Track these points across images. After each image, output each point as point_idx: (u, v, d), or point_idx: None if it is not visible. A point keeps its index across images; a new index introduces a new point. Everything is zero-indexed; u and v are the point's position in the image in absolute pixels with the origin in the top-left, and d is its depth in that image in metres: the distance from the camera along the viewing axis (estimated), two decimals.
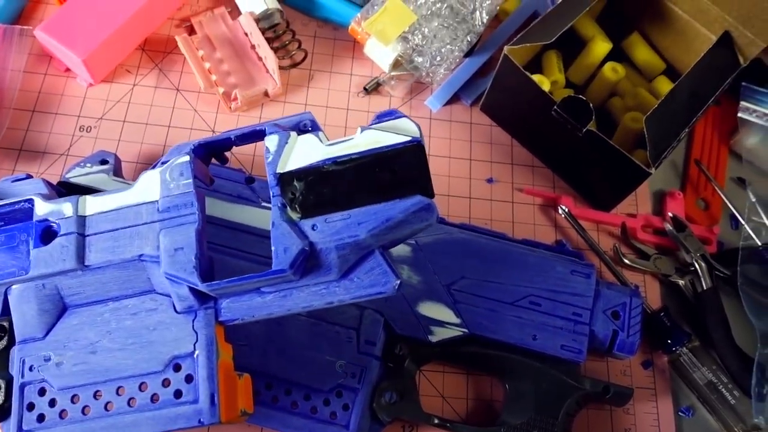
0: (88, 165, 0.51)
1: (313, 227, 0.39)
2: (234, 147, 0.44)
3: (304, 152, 0.40)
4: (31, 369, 0.42)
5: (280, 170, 0.40)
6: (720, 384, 0.52)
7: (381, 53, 0.60)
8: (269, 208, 0.49)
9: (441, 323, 0.49)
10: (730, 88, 0.61)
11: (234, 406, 0.40)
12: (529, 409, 0.48)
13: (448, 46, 0.57)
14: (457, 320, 0.49)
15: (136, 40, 0.60)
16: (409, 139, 0.39)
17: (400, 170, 0.39)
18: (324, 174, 0.39)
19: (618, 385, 0.49)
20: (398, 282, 0.39)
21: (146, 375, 0.40)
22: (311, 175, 0.39)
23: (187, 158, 0.41)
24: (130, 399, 0.40)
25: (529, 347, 0.49)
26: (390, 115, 0.41)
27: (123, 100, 0.59)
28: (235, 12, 0.62)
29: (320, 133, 0.41)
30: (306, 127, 0.42)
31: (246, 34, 0.62)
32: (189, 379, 0.39)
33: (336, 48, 0.64)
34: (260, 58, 0.61)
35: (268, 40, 0.60)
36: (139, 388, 0.40)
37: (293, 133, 0.41)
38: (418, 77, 0.60)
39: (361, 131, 0.40)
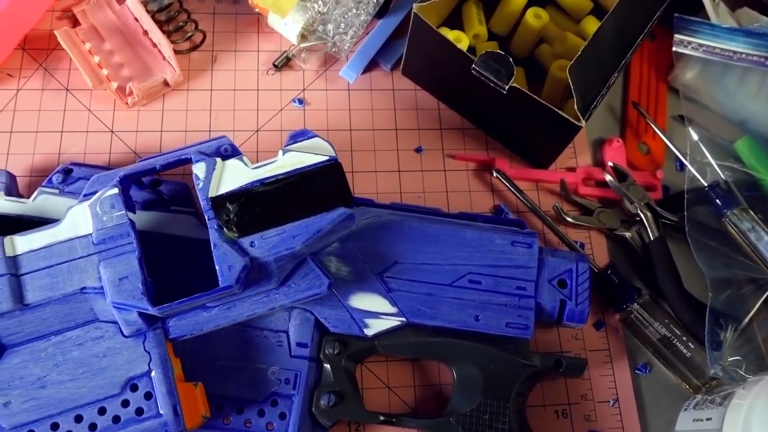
0: None
1: (251, 244, 0.42)
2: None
3: (232, 177, 0.43)
4: None
5: (212, 195, 0.43)
6: (674, 337, 0.49)
7: (286, 24, 0.55)
8: (181, 212, 0.47)
9: (376, 314, 0.46)
10: (665, 20, 0.57)
11: (196, 413, 0.42)
12: (478, 394, 0.45)
13: (354, 10, 0.52)
14: (393, 309, 0.46)
15: (14, 38, 0.54)
16: (327, 158, 0.44)
17: (322, 186, 0.44)
18: (254, 195, 0.43)
19: (570, 357, 0.47)
20: (329, 282, 0.43)
21: (104, 399, 0.41)
22: (242, 197, 0.43)
23: (116, 190, 0.42)
24: (90, 424, 0.40)
25: (473, 329, 0.46)
26: (304, 135, 0.45)
27: (7, 108, 0.53)
28: None
29: (244, 158, 0.44)
30: (227, 151, 0.45)
31: (137, 20, 0.56)
32: (148, 396, 0.41)
33: (238, 24, 0.58)
34: (155, 45, 0.55)
35: (161, 24, 0.55)
36: (99, 413, 0.41)
37: (219, 160, 0.43)
38: (327, 48, 0.55)
39: (283, 153, 0.44)
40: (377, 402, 0.48)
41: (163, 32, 0.54)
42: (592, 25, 0.57)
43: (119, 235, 0.42)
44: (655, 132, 0.57)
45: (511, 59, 0.47)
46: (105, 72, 0.54)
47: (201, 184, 0.43)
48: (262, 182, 0.43)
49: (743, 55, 0.58)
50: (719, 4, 0.60)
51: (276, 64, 0.56)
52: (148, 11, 0.55)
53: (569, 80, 0.46)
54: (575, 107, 0.47)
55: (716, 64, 0.58)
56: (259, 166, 0.44)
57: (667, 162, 0.58)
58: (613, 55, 0.50)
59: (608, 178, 0.54)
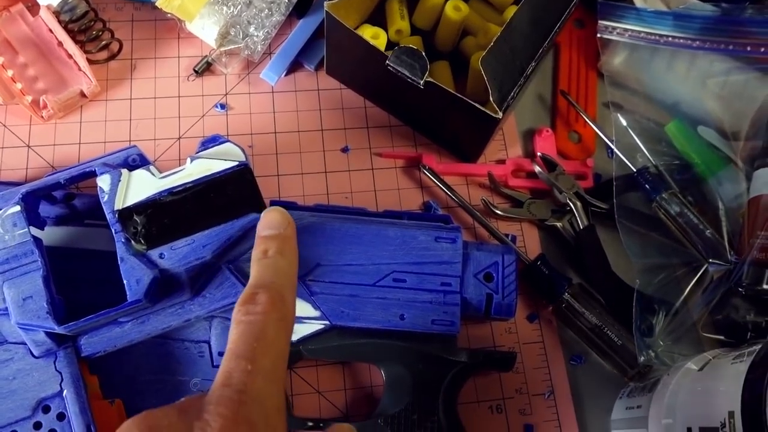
0: None
1: (160, 256, 0.41)
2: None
3: (139, 187, 0.42)
4: None
5: (118, 207, 0.42)
6: (605, 326, 0.49)
7: (203, 29, 0.54)
8: (95, 225, 0.46)
9: (299, 319, 0.45)
10: (592, 8, 0.57)
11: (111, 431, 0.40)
12: (407, 394, 0.45)
13: (266, 11, 0.51)
14: (315, 313, 0.45)
15: None
16: (236, 163, 0.43)
17: (232, 192, 0.43)
18: (162, 205, 0.42)
19: (499, 352, 0.46)
20: None
21: (15, 423, 0.40)
22: (150, 208, 0.42)
23: (18, 208, 0.41)
24: None
25: (398, 328, 0.45)
26: (215, 141, 0.44)
27: None
28: (36, 8, 0.55)
29: (151, 167, 0.43)
30: (135, 162, 0.44)
31: (51, 31, 0.55)
32: (61, 417, 0.40)
33: (158, 30, 0.57)
34: (70, 56, 0.54)
35: (74, 34, 0.54)
36: None
37: (124, 171, 0.42)
38: (241, 51, 0.54)
39: (191, 161, 0.43)
40: (307, 407, 0.47)
41: (77, 42, 0.53)
42: None
43: (23, 254, 0.41)
44: (585, 120, 0.57)
45: (423, 53, 0.47)
46: (19, 86, 0.52)
47: (106, 197, 0.42)
48: (169, 191, 0.42)
49: (670, 38, 0.58)
50: None
51: (196, 69, 0.55)
52: (60, 22, 0.53)
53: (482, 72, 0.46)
54: (491, 99, 0.46)
55: (644, 49, 0.58)
56: (166, 176, 0.43)
57: (598, 150, 0.58)
58: (530, 44, 0.49)
59: (537, 168, 0.54)
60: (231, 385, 0.29)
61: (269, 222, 0.37)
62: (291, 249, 0.37)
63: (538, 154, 0.55)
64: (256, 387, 0.30)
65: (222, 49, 0.54)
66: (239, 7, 0.50)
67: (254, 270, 0.35)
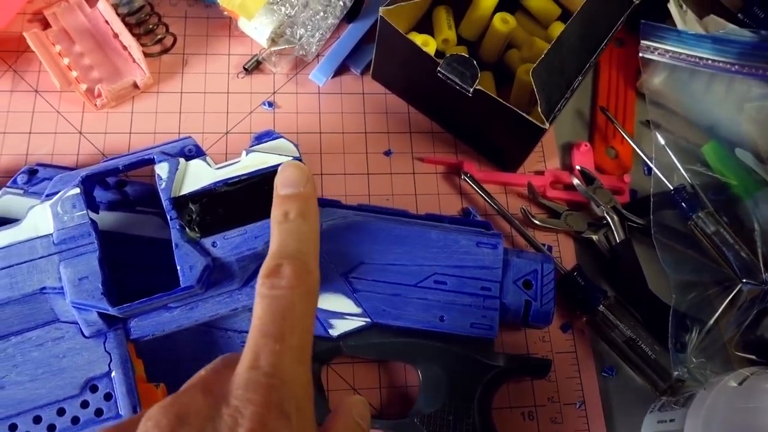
0: None
1: (213, 244, 0.42)
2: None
3: (195, 177, 0.43)
4: None
5: (174, 195, 0.42)
6: (639, 339, 0.50)
7: (256, 28, 0.55)
8: (146, 213, 0.47)
9: (341, 315, 0.46)
10: (633, 26, 0.58)
11: None
12: (443, 395, 0.45)
13: (321, 14, 0.52)
14: (357, 310, 0.46)
15: None
16: (291, 159, 0.43)
17: None
18: (217, 195, 0.43)
19: (535, 358, 0.47)
20: None
21: (63, 401, 0.41)
22: (205, 197, 0.43)
23: (77, 190, 0.42)
24: (49, 425, 0.40)
25: (437, 329, 0.46)
26: (268, 135, 0.45)
27: None
28: None
29: (207, 158, 0.44)
30: (191, 152, 0.44)
31: (107, 23, 0.56)
32: (108, 397, 0.41)
33: (210, 27, 0.59)
34: (125, 48, 0.55)
35: (131, 27, 0.55)
36: (58, 414, 0.40)
37: (182, 160, 0.43)
38: (296, 51, 0.55)
39: (246, 154, 0.44)
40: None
41: (134, 35, 0.54)
42: (559, 30, 0.58)
43: (80, 235, 0.42)
44: (623, 136, 0.58)
45: (475, 62, 0.48)
46: (74, 74, 0.54)
47: (163, 184, 0.43)
48: (225, 182, 0.43)
49: (709, 61, 0.58)
50: (687, 11, 0.61)
51: (246, 67, 0.56)
52: (118, 14, 0.55)
53: (532, 83, 0.47)
54: (539, 110, 0.47)
55: (683, 70, 0.59)
56: (222, 167, 0.44)
57: (634, 166, 0.59)
58: (577, 59, 0.50)
59: (576, 181, 0.55)
60: (259, 368, 0.28)
61: (288, 178, 0.36)
62: (313, 210, 0.35)
63: (577, 167, 0.56)
64: (285, 368, 0.29)
65: (273, 48, 0.55)
66: (296, 8, 0.51)
67: (275, 235, 0.34)
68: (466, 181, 0.54)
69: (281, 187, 0.36)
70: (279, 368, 0.28)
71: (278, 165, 0.43)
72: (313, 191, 0.36)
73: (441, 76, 0.49)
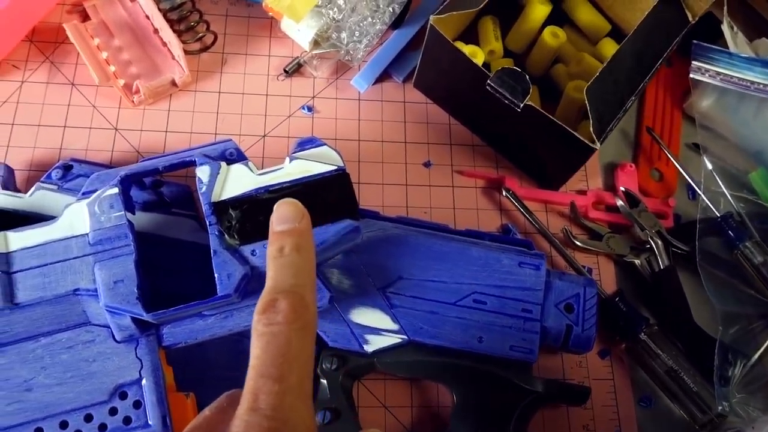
0: None
1: (252, 252, 0.40)
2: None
3: (237, 182, 0.42)
4: None
5: (214, 199, 0.41)
6: (681, 370, 0.48)
7: (299, 30, 0.54)
8: (181, 215, 0.46)
9: (377, 331, 0.45)
10: (682, 47, 0.56)
11: (186, 425, 0.39)
12: (478, 418, 0.44)
13: (369, 19, 0.51)
14: (394, 326, 0.45)
15: (22, 30, 0.53)
16: (335, 168, 0.42)
17: (329, 197, 0.42)
18: (258, 202, 0.41)
19: (574, 385, 0.46)
20: (330, 295, 0.42)
21: (91, 406, 0.40)
22: (246, 203, 0.41)
23: (116, 190, 0.41)
24: (75, 431, 0.39)
25: (475, 350, 0.45)
26: (312, 142, 0.43)
27: (11, 100, 0.52)
28: None
29: (249, 163, 0.43)
30: (232, 155, 0.43)
31: (148, 18, 0.55)
32: (137, 405, 0.40)
33: (251, 27, 0.57)
34: (165, 44, 0.54)
35: (172, 23, 0.54)
36: (85, 420, 0.39)
37: (223, 164, 0.42)
38: (340, 56, 0.54)
39: (290, 161, 0.42)
40: (373, 421, 0.46)
41: (174, 31, 0.53)
42: (608, 47, 0.57)
43: (117, 237, 0.40)
44: (668, 159, 0.56)
45: (527, 77, 0.46)
46: (112, 68, 0.53)
47: (204, 188, 0.41)
48: (267, 189, 0.42)
49: (760, 86, 0.57)
50: (738, 33, 0.60)
51: (287, 69, 0.55)
52: (159, 9, 0.54)
53: (586, 101, 0.45)
54: (590, 129, 0.46)
55: (733, 93, 0.57)
56: (264, 173, 0.42)
57: (679, 190, 0.57)
58: (631, 79, 0.49)
59: (619, 203, 0.53)
60: (258, 410, 0.28)
61: (283, 215, 0.36)
62: (308, 244, 0.35)
63: (622, 188, 0.54)
64: (285, 408, 0.28)
65: (315, 51, 0.54)
66: (344, 12, 0.50)
67: (271, 271, 0.34)
68: (508, 198, 0.52)
69: (276, 223, 0.36)
70: (279, 409, 0.28)
71: (323, 174, 0.43)
72: (308, 226, 0.36)
73: (489, 89, 0.47)
